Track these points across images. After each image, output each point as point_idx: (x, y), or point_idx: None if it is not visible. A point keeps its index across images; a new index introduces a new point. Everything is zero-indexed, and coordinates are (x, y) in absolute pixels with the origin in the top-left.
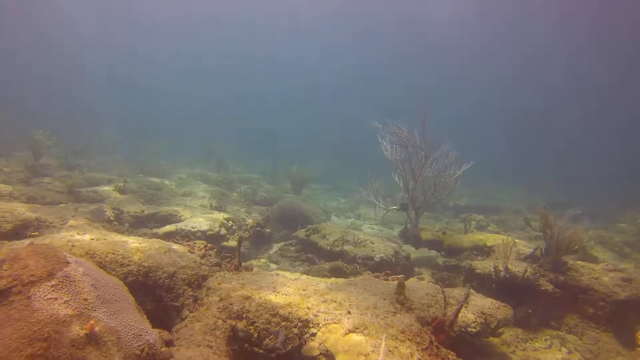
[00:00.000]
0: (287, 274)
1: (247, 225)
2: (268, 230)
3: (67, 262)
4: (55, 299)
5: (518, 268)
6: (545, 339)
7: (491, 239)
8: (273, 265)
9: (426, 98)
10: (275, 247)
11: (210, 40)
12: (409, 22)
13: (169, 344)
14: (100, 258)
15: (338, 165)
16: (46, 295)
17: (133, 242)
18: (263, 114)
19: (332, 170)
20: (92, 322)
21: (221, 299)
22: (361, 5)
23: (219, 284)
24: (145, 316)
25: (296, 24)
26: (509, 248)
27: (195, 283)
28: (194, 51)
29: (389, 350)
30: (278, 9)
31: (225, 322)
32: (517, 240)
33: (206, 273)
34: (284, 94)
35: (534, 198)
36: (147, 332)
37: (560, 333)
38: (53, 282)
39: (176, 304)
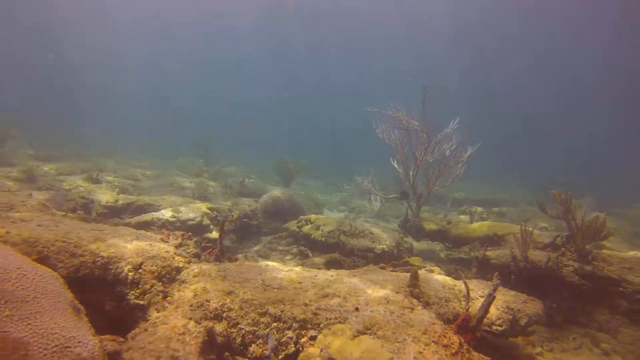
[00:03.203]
0: (277, 264)
1: (232, 216)
2: (256, 222)
3: None
4: None
5: (539, 258)
6: (574, 338)
7: (502, 228)
8: (262, 260)
9: (428, 88)
10: (264, 240)
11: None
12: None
13: (113, 356)
14: (43, 246)
15: (329, 161)
16: None
17: (93, 230)
18: (252, 110)
19: (324, 165)
20: None
21: (196, 295)
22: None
23: (195, 276)
24: (85, 319)
25: (284, 18)
26: (528, 236)
27: (167, 277)
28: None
29: (413, 357)
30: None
31: (200, 323)
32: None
33: (181, 265)
34: (272, 89)
35: (531, 192)
36: (79, 342)
37: (589, 331)
38: None
39: (141, 302)
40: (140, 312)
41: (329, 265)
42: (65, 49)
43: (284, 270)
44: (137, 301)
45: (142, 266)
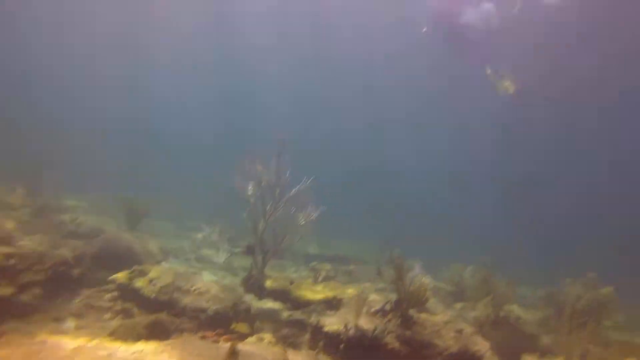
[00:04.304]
0: (65, 338)
1: (43, 264)
2: (78, 270)
3: None
4: None
5: (369, 325)
6: None
7: (341, 291)
8: (72, 321)
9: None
10: (85, 293)
11: None
12: None
13: None
14: None
15: (189, 202)
16: None
17: None
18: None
19: (181, 206)
20: None
21: None
22: None
23: None
24: None
25: None
26: (362, 302)
27: None
28: None
29: None
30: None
31: None
32: (369, 294)
33: None
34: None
35: (377, 250)
36: None
37: None
38: None
39: None
40: None
41: (151, 328)
42: None
43: (69, 348)
44: None
45: None
